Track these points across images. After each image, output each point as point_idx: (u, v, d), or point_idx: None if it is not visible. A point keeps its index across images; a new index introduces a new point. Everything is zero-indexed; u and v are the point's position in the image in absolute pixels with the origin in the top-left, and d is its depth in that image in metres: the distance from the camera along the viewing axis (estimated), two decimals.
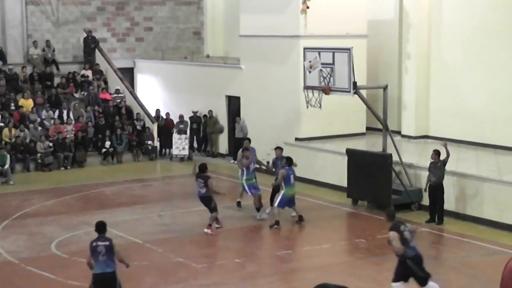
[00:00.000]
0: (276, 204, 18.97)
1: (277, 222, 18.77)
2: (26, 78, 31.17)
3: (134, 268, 15.70)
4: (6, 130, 27.52)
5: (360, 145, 23.61)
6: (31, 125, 28.34)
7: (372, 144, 23.94)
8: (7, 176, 25.32)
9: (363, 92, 21.57)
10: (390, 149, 20.86)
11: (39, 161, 27.37)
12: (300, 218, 19.32)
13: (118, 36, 34.57)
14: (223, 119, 29.56)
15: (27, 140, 27.70)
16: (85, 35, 32.96)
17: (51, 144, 27.71)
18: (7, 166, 25.48)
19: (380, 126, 21.72)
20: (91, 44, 32.85)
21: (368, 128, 26.42)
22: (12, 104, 29.29)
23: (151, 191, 24.12)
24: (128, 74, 33.89)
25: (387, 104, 21.40)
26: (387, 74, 26.39)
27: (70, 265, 15.95)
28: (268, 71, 26.61)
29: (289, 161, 19.44)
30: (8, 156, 25.76)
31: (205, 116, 30.10)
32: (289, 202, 19.07)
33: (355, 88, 20.23)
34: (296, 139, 25.38)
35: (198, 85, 30.72)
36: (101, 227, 12.55)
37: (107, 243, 12.24)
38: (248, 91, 27.77)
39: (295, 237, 18.87)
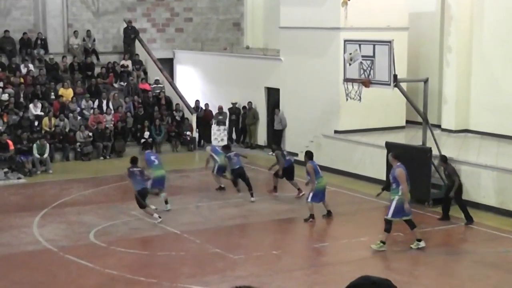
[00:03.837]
0: (309, 199, 18.85)
1: (311, 216, 18.76)
2: (66, 68, 31.56)
3: (172, 258, 15.94)
4: (46, 120, 27.92)
5: (399, 138, 23.55)
6: (70, 115, 28.71)
7: (411, 138, 23.87)
8: (46, 165, 25.71)
9: (403, 85, 21.52)
10: (430, 143, 20.79)
11: (78, 150, 27.74)
12: (328, 213, 19.22)
13: (158, 26, 34.83)
14: (262, 110, 29.67)
15: (67, 130, 28.08)
16: (125, 25, 33.26)
17: (90, 134, 28.06)
18: (46, 155, 25.86)
19: (420, 120, 21.65)
20: (131, 35, 33.15)
21: (407, 122, 26.34)
22: (52, 93, 29.69)
23: (189, 182, 24.32)
24: (167, 65, 34.13)
25: (428, 97, 21.32)
26: (428, 67, 26.26)
27: (108, 254, 16.20)
28: (307, 63, 26.63)
29: (310, 155, 19.34)
30: (48, 145, 26.14)
31: (244, 107, 30.23)
32: (321, 195, 18.93)
33: (396, 81, 20.19)
34: (335, 131, 25.39)
35: (237, 76, 30.85)
36: (135, 160, 19.22)
37: (139, 169, 18.84)
38: (287, 83, 27.82)
39: (332, 230, 18.92)
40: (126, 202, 20.78)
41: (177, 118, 30.52)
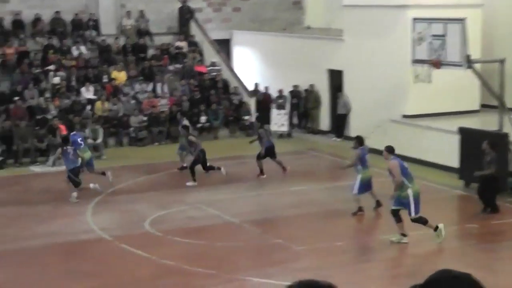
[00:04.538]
0: (355, 191, 18.18)
1: (360, 209, 18.26)
2: (119, 50, 31.73)
3: (230, 249, 15.90)
4: (99, 103, 28.15)
5: (473, 123, 23.10)
6: (124, 98, 28.90)
7: (486, 123, 23.38)
8: (100, 151, 25.91)
9: (477, 66, 21.09)
10: (507, 128, 20.33)
11: (132, 135, 27.92)
12: (378, 204, 18.65)
13: (214, 6, 34.77)
14: (324, 94, 29.45)
15: (120, 114, 28.26)
16: (180, 5, 33.29)
17: (144, 118, 28.20)
18: (99, 140, 26.08)
19: (496, 103, 21.19)
20: (186, 15, 33.18)
21: (482, 106, 25.83)
22: (105, 76, 29.91)
23: (247, 169, 24.21)
24: (224, 46, 34.09)
25: (504, 79, 20.85)
26: (504, 46, 25.65)
27: (164, 243, 16.23)
28: (372, 44, 26.30)
29: (361, 140, 18.82)
30: (101, 130, 26.35)
31: (305, 90, 30.04)
32: (367, 186, 18.31)
33: (469, 62, 19.80)
34: (404, 116, 25.05)
35: (298, 58, 30.64)
36: (67, 139, 19.59)
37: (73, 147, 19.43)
38: (351, 64, 27.53)
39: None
40: (181, 190, 20.84)
41: (235, 102, 30.48)
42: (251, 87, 31.29)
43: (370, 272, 14.78)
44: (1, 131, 25.79)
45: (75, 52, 30.80)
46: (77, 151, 20.12)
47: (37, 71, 29.45)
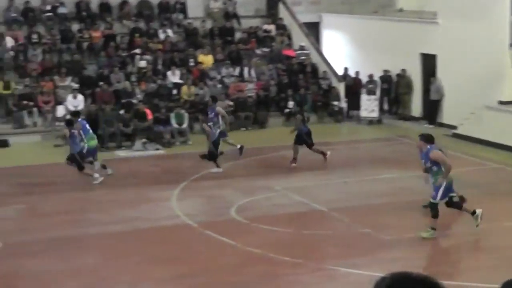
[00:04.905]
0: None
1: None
2: (206, 33, 31.88)
3: (317, 237, 15.80)
4: (185, 88, 28.35)
5: None
6: (210, 83, 29.04)
7: None
8: (185, 136, 26.11)
9: None
10: None
11: None
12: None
13: None
14: (416, 79, 29.01)
15: (207, 98, 28.37)
16: None
17: (231, 103, 28.27)
18: (185, 125, 26.27)
19: None
20: None
21: None
22: (191, 60, 30.09)
23: (336, 155, 24.03)
24: (313, 30, 33.88)
25: None
26: None
27: (250, 231, 16.22)
28: (468, 26, 25.73)
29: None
30: (187, 115, 26.53)
31: (397, 75, 29.64)
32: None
33: None
34: (500, 102, 24.46)
35: (389, 41, 30.24)
36: (71, 122, 19.49)
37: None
38: (445, 49, 27.02)
39: (497, 212, 18.18)
40: (268, 177, 20.82)
41: (324, 86, 30.29)
42: (340, 72, 31.04)
43: (465, 263, 14.48)
44: (87, 115, 26.23)
45: (161, 36, 31.10)
46: (81, 135, 20.42)
47: (124, 54, 29.86)
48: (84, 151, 20.51)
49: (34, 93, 27.64)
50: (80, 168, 20.21)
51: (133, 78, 28.69)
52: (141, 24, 31.44)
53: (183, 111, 26.59)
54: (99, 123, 25.52)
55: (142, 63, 29.30)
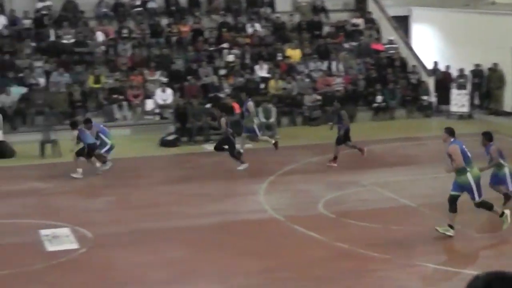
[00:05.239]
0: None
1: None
2: (294, 27, 31.86)
3: (406, 233, 15.62)
4: (272, 82, 28.41)
5: None
6: (298, 77, 29.02)
7: None
8: (273, 130, 26.15)
9: None
10: None
11: (306, 114, 28.00)
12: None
13: None
14: (508, 73, 28.44)
15: (294, 93, 28.42)
16: None
17: (319, 97, 28.21)
18: (272, 119, 26.32)
19: None
20: None
21: None
22: (279, 54, 30.12)
23: (425, 150, 23.77)
24: (402, 23, 33.50)
25: None
26: None
27: (337, 226, 16.17)
28: None
29: (490, 136, 17.00)
30: (274, 109, 26.57)
31: (489, 69, 29.10)
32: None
33: None
34: None
35: (481, 35, 29.66)
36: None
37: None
38: None
39: None
40: (355, 171, 20.71)
41: (413, 81, 29.95)
42: (430, 66, 30.63)
43: None
44: (175, 108, 26.55)
45: (249, 30, 31.21)
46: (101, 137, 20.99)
47: (212, 49, 30.07)
48: (107, 148, 21.04)
49: (124, 87, 28.11)
50: (87, 158, 20.94)
51: (221, 72, 28.89)
52: (229, 19, 31.61)
53: (270, 105, 26.65)
54: (188, 117, 25.77)
55: (230, 57, 29.47)
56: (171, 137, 25.34)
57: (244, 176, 20.86)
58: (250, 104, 23.07)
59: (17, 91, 27.19)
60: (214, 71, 29.00)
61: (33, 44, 29.37)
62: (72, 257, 14.45)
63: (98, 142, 21.10)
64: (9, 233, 16.20)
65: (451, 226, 15.07)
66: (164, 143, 25.01)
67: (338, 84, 29.04)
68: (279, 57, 30.05)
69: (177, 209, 17.84)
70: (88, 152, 21.07)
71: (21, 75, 27.95)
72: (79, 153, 20.95)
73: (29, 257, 14.46)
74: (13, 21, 29.97)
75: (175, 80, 28.59)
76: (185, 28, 30.80)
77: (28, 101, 27.07)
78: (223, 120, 21.34)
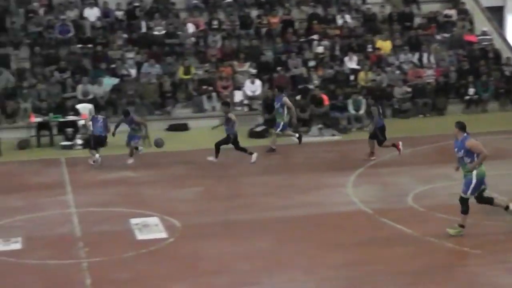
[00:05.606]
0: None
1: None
2: (385, 18, 31.59)
3: (499, 229, 15.31)
4: (362, 74, 28.25)
5: None
6: (388, 69, 28.77)
7: None
8: (362, 122, 26.01)
9: None
10: None
11: (396, 107, 27.75)
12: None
13: None
14: None
15: (384, 85, 28.19)
16: None
17: (409, 89, 27.93)
18: (362, 111, 26.18)
19: None
20: None
21: None
22: (369, 46, 29.91)
23: None
24: (496, 14, 32.88)
25: None
26: None
27: (427, 220, 15.96)
28: None
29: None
30: (364, 101, 26.42)
31: None
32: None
33: None
34: None
35: None
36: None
37: (103, 117, 21.84)
38: None
39: None
40: (446, 165, 20.33)
41: (507, 73, 29.36)
42: None
43: None
44: (264, 100, 26.63)
45: (339, 21, 31.08)
46: (106, 122, 21.71)
47: (301, 40, 30.05)
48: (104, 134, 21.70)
49: (213, 78, 28.33)
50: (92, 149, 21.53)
51: (311, 64, 28.84)
52: (319, 10, 31.54)
53: (360, 97, 26.53)
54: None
55: (320, 49, 29.41)
56: (259, 128, 25.45)
57: (332, 168, 20.80)
58: (286, 99, 22.97)
59: (109, 82, 27.72)
60: (303, 62, 28.97)
61: (125, 35, 29.87)
62: (161, 246, 14.65)
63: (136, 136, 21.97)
64: (101, 221, 16.53)
65: (462, 226, 14.81)
66: (253, 134, 25.13)
67: (429, 76, 28.68)
68: (369, 48, 29.84)
69: (264, 200, 17.90)
70: (94, 143, 21.58)
71: (113, 66, 28.48)
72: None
73: (120, 245, 14.71)
74: (106, 13, 30.54)
75: (264, 71, 28.67)
76: (274, 20, 30.84)
77: (120, 91, 27.58)
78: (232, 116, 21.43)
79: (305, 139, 24.58)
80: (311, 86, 27.60)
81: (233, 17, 30.89)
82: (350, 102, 26.24)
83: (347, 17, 31.30)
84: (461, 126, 15.12)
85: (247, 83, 27.89)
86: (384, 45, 29.90)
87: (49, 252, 14.42)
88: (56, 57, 28.59)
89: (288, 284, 12.87)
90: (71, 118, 25.30)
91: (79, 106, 26.02)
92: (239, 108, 27.70)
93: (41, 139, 24.83)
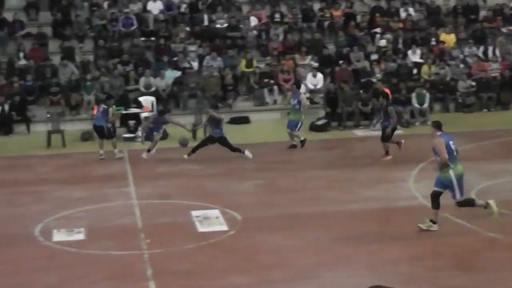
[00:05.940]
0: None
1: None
2: (449, 11, 31.26)
3: None
4: (425, 67, 27.99)
5: None
6: (452, 62, 28.45)
7: None
8: (425, 116, 25.79)
9: None
10: None
11: (460, 101, 27.43)
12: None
13: None
14: None
15: (448, 78, 27.88)
16: None
17: (473, 83, 27.57)
18: (425, 105, 25.96)
19: None
20: None
21: None
22: (433, 39, 29.62)
23: None
24: None
25: None
26: None
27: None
28: None
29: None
30: (427, 94, 26.19)
31: None
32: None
33: None
34: None
35: None
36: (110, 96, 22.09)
37: (105, 107, 21.75)
38: None
39: None
40: (511, 160, 20.11)
41: None
42: None
43: None
44: (326, 93, 26.56)
45: (402, 14, 30.86)
46: (106, 112, 21.68)
47: (363, 33, 29.88)
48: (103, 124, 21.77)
49: (275, 71, 28.33)
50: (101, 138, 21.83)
51: (373, 57, 28.66)
52: (382, 3, 31.36)
53: (424, 91, 26.29)
54: (338, 102, 25.72)
55: (382, 42, 29.22)
56: (321, 122, 25.39)
57: (394, 163, 20.65)
58: (303, 96, 22.74)
59: (171, 74, 27.94)
60: (365, 56, 28.80)
61: (188, 28, 30.06)
62: (221, 238, 14.72)
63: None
64: (163, 213, 16.67)
65: (433, 221, 14.64)
66: (314, 128, 25.09)
67: (493, 69, 28.30)
68: (433, 42, 29.55)
69: (326, 194, 17.86)
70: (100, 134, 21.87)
71: (175, 59, 28.67)
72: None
73: (181, 237, 14.82)
74: (168, 6, 30.77)
75: (326, 65, 28.59)
76: (337, 13, 30.73)
77: (181, 84, 27.77)
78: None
79: (366, 132, 24.48)
80: (373, 80, 27.43)
81: (295, 10, 30.86)
82: (414, 96, 26.02)
83: (411, 10, 31.04)
84: (436, 125, 14.85)
85: (309, 76, 27.84)
86: (448, 38, 29.59)
87: (111, 243, 14.61)
88: (119, 50, 28.93)
89: (348, 279, 12.81)
90: (133, 110, 25.56)
91: (141, 99, 26.30)
92: None
93: None
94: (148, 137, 22.01)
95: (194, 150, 21.28)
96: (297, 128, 22.40)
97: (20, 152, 22.67)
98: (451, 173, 14.51)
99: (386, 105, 21.08)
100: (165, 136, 22.56)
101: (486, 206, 14.89)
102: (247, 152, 21.17)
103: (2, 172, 20.84)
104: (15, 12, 30.27)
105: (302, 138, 22.55)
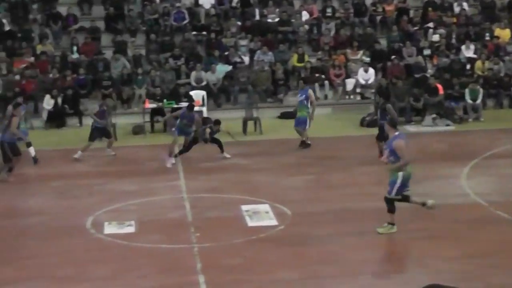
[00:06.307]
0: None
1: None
2: (504, 6, 30.87)
3: None
4: (479, 63, 27.67)
5: None
6: (506, 58, 28.08)
7: None
8: (478, 112, 25.49)
9: None
10: None
11: None
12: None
13: None
14: None
15: (502, 74, 27.53)
16: None
17: None
18: (479, 101, 25.66)
19: None
20: None
21: None
22: (487, 34, 29.26)
23: None
24: None
25: None
26: None
27: None
28: None
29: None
30: (481, 90, 25.89)
31: None
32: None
33: None
34: None
35: None
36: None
37: (104, 109, 21.72)
38: None
39: None
40: None
41: None
42: None
43: None
44: (377, 88, 26.37)
45: (456, 9, 30.54)
46: (104, 114, 21.49)
47: (416, 28, 29.63)
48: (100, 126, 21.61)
49: (326, 66, 28.22)
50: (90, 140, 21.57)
51: (426, 52, 28.41)
52: None
53: (478, 87, 25.98)
54: (390, 97, 25.51)
55: (435, 37, 28.94)
56: (372, 117, 25.22)
57: (445, 159, 20.44)
58: (311, 92, 22.40)
59: (222, 69, 27.99)
60: (418, 51, 28.54)
61: (239, 23, 30.09)
62: (271, 233, 14.71)
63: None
64: (213, 207, 16.71)
65: (391, 224, 14.38)
66: (365, 123, 24.93)
67: None
68: (487, 37, 29.17)
69: (376, 189, 17.61)
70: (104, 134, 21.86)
71: (226, 53, 28.72)
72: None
73: (231, 231, 14.84)
74: (220, 0, 30.82)
75: (377, 59, 28.40)
76: (389, 7, 30.51)
77: (232, 79, 27.80)
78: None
79: (418, 128, 24.28)
80: (427, 75, 27.18)
81: (347, 5, 30.71)
82: (467, 92, 25.72)
83: (465, 5, 30.70)
84: (393, 124, 14.50)
85: (360, 71, 27.68)
86: (503, 34, 29.20)
87: (161, 236, 14.69)
88: (171, 44, 29.07)
89: (400, 275, 12.74)
90: (184, 104, 25.63)
91: (192, 93, 26.38)
92: (351, 97, 27.59)
93: (155, 124, 25.28)
94: (183, 133, 21.06)
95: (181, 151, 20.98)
96: (306, 127, 21.95)
97: (72, 145, 22.90)
98: (400, 174, 14.25)
99: (384, 103, 20.58)
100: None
101: (424, 204, 14.74)
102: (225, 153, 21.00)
103: (54, 165, 21.07)
104: (69, 6, 30.58)
105: (308, 142, 21.90)
